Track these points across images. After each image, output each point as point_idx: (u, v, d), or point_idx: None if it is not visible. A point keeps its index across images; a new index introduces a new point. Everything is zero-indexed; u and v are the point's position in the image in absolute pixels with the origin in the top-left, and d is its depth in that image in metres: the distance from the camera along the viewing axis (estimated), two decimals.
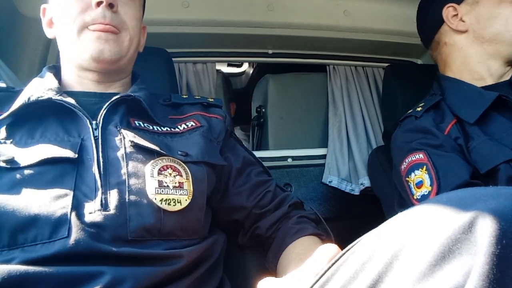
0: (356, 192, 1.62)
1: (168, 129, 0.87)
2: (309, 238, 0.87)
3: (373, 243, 0.46)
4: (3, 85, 0.90)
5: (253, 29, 1.58)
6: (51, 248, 0.65)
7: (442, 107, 1.15)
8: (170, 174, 0.77)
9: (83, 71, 0.87)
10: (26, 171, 0.70)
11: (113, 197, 0.71)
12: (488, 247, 0.36)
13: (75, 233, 0.66)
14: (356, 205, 1.66)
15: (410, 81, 1.41)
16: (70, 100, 0.80)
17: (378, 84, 1.79)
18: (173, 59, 1.34)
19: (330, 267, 0.51)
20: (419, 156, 1.03)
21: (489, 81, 1.15)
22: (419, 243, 0.41)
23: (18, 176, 0.70)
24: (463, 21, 1.17)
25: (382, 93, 1.62)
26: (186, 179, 0.78)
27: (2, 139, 0.75)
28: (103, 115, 0.80)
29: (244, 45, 1.67)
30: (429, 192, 0.98)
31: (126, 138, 0.78)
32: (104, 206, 0.70)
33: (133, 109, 0.85)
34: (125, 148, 0.77)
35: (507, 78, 1.16)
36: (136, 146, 0.78)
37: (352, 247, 0.50)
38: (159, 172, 0.76)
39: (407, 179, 1.05)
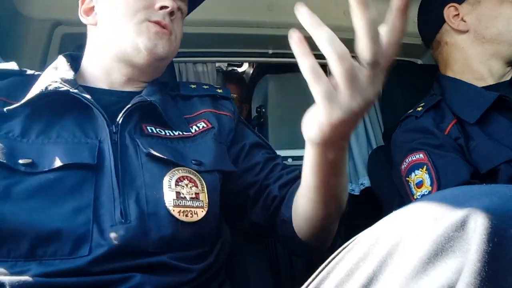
0: (356, 192, 1.62)
1: (180, 133, 0.85)
2: None
3: (368, 241, 0.46)
4: (15, 66, 0.86)
5: (253, 29, 1.58)
6: (70, 264, 0.64)
7: (442, 107, 1.15)
8: (187, 185, 0.76)
9: (122, 65, 0.87)
10: (46, 177, 0.69)
11: (132, 208, 0.70)
12: (480, 245, 0.36)
13: (97, 250, 0.65)
14: (356, 205, 1.66)
15: (410, 81, 1.40)
16: (87, 95, 0.79)
17: None
18: (173, 59, 1.34)
19: (326, 265, 0.51)
20: (419, 156, 1.03)
21: (490, 81, 1.15)
22: (412, 240, 0.41)
23: (38, 182, 0.68)
24: (464, 21, 1.17)
25: (382, 93, 1.61)
26: (202, 190, 0.77)
27: (18, 135, 0.74)
28: (121, 119, 0.79)
29: (244, 45, 1.68)
30: (429, 192, 0.98)
31: (141, 147, 0.77)
32: (125, 217, 0.69)
33: (147, 114, 0.84)
34: (140, 157, 0.76)
35: (507, 78, 1.16)
36: (151, 156, 0.77)
37: (348, 245, 0.50)
38: (176, 183, 0.75)
39: (407, 179, 1.05)
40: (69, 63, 0.88)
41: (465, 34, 1.17)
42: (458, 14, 1.18)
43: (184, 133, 0.86)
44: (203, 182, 0.78)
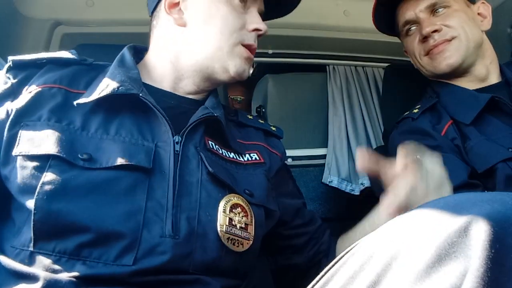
0: (356, 192, 1.62)
1: (234, 157, 0.84)
2: None
3: (372, 245, 0.46)
4: (75, 55, 0.84)
5: None
6: (112, 270, 0.63)
7: (438, 109, 1.15)
8: (239, 213, 0.75)
9: (198, 77, 0.86)
10: (102, 175, 0.68)
11: (183, 223, 0.68)
12: (482, 251, 0.36)
13: (141, 262, 0.64)
14: (356, 205, 1.66)
15: (410, 81, 1.40)
16: (152, 100, 0.76)
17: (378, 84, 1.79)
18: None
19: (330, 269, 0.51)
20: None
21: (484, 84, 1.16)
22: (416, 245, 0.41)
23: (94, 179, 0.67)
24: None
25: (382, 93, 1.61)
26: (251, 222, 0.76)
27: (78, 128, 0.72)
28: (187, 131, 0.77)
29: None
30: None
31: (205, 163, 0.75)
32: (175, 231, 0.67)
33: (210, 128, 0.82)
34: (201, 173, 0.74)
35: (495, 80, 1.16)
36: (212, 175, 0.75)
37: (351, 249, 0.50)
38: (231, 210, 0.74)
39: None
40: (133, 58, 0.85)
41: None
42: None
43: (237, 158, 0.85)
44: (253, 214, 0.77)
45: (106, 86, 0.76)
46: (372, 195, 1.45)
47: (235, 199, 0.75)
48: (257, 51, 1.71)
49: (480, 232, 0.37)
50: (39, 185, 0.64)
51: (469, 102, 1.10)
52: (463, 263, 0.37)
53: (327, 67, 1.79)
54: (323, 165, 1.67)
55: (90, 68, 0.83)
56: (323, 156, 1.69)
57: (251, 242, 0.74)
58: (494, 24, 1.44)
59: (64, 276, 0.61)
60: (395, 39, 1.57)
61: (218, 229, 0.70)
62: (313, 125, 1.75)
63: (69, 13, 1.44)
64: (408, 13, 1.16)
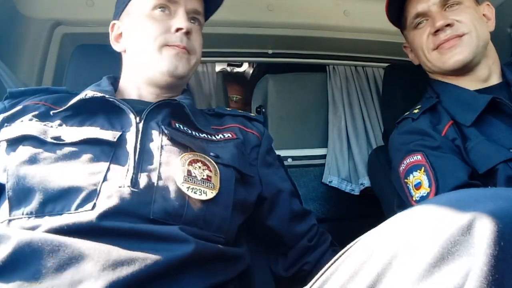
0: (356, 192, 1.62)
1: (206, 136, 0.92)
2: None
3: (372, 243, 0.46)
4: (64, 88, 1.00)
5: (253, 29, 1.58)
6: (75, 218, 0.68)
7: (438, 110, 1.15)
8: (200, 167, 0.81)
9: (149, 85, 0.95)
10: (69, 148, 0.77)
11: (143, 179, 0.75)
12: (486, 249, 0.36)
13: (100, 207, 0.69)
14: (356, 205, 1.67)
15: (410, 81, 1.40)
16: (120, 99, 0.87)
17: (378, 84, 1.79)
18: None
19: (330, 266, 0.51)
20: (417, 157, 1.03)
21: (485, 85, 1.15)
22: (418, 244, 0.41)
23: (61, 151, 0.76)
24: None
25: (382, 93, 1.61)
26: (215, 174, 0.82)
27: (56, 125, 0.83)
28: (147, 111, 0.86)
29: (244, 45, 1.68)
30: (428, 194, 0.98)
31: (165, 132, 0.83)
32: (133, 184, 0.73)
33: (176, 113, 0.91)
34: (161, 140, 0.82)
35: (496, 81, 1.16)
36: (172, 140, 0.83)
37: (351, 247, 0.50)
38: (189, 164, 0.80)
39: (405, 180, 1.05)
40: (109, 82, 0.98)
41: None
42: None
43: (209, 136, 0.92)
44: (217, 168, 0.83)
45: (77, 97, 0.88)
46: (372, 195, 1.46)
47: (195, 156, 0.82)
48: (257, 51, 1.74)
49: (484, 230, 0.37)
50: (12, 157, 0.75)
51: (470, 103, 1.10)
52: (467, 261, 0.37)
53: (327, 67, 1.79)
54: (323, 165, 1.67)
55: (74, 95, 0.91)
56: (323, 156, 1.69)
57: (216, 191, 0.79)
58: (494, 24, 1.44)
59: (35, 233, 0.66)
60: (395, 39, 1.57)
61: (176, 179, 0.76)
62: (313, 125, 1.75)
63: (69, 13, 1.44)
64: (420, 5, 1.15)
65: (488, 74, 1.15)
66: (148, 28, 0.92)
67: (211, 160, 0.84)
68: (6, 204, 0.72)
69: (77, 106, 0.86)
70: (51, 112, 0.86)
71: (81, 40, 1.47)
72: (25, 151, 0.75)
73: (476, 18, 1.12)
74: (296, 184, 1.62)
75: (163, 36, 0.92)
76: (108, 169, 0.75)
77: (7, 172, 0.72)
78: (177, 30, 0.93)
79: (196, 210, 0.77)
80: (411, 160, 1.04)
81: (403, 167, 1.06)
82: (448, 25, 1.10)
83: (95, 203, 0.70)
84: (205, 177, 0.80)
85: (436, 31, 1.12)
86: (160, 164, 0.79)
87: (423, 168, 1.01)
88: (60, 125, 0.83)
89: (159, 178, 0.76)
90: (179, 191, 0.76)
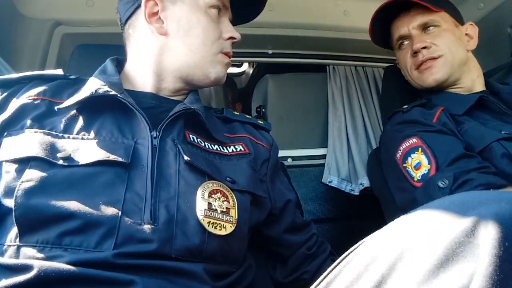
0: (356, 192, 1.62)
1: (218, 149, 0.88)
2: None
3: (377, 245, 0.46)
4: (60, 72, 0.91)
5: (253, 29, 1.58)
6: (94, 256, 0.65)
7: (429, 105, 1.23)
8: (219, 198, 0.77)
9: (178, 80, 0.91)
10: (81, 171, 0.71)
11: (162, 211, 0.71)
12: (491, 250, 0.36)
13: (121, 246, 0.66)
14: (356, 205, 1.67)
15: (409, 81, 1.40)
16: (131, 100, 0.81)
17: (378, 84, 1.79)
18: None
19: (333, 269, 0.51)
20: (413, 140, 1.09)
21: (470, 92, 1.24)
22: (422, 245, 0.41)
23: (73, 175, 0.71)
24: None
25: (382, 93, 1.62)
26: (232, 206, 0.78)
27: (61, 131, 0.77)
28: (164, 125, 0.80)
29: (244, 45, 1.67)
30: (429, 170, 1.02)
31: (182, 154, 0.78)
32: (153, 219, 0.70)
33: (190, 122, 0.86)
34: (179, 164, 0.77)
35: (479, 89, 1.25)
36: (190, 164, 0.78)
37: (355, 249, 0.50)
38: (209, 195, 0.76)
39: (404, 165, 1.09)
40: (115, 67, 0.92)
41: None
42: None
43: (221, 150, 0.89)
44: (235, 199, 0.80)
45: (86, 90, 0.81)
46: (371, 195, 1.46)
47: (213, 185, 0.78)
48: (257, 51, 1.73)
49: (488, 231, 0.37)
50: (19, 183, 0.68)
51: (460, 100, 1.19)
52: (472, 263, 0.37)
53: (327, 67, 1.79)
54: (323, 165, 1.67)
55: (74, 82, 0.87)
56: (323, 156, 1.69)
57: (234, 225, 0.77)
58: (494, 24, 1.45)
59: (52, 264, 0.63)
60: None
61: (198, 214, 0.73)
62: (313, 125, 1.75)
63: (69, 13, 1.43)
64: (402, 28, 1.26)
65: (472, 85, 1.26)
66: (208, 28, 0.90)
67: (229, 189, 0.80)
68: (14, 229, 0.67)
69: (84, 102, 0.80)
70: (56, 108, 0.80)
71: (81, 40, 1.47)
72: (33, 176, 0.69)
73: (452, 40, 1.21)
74: (296, 184, 1.63)
75: (219, 42, 0.92)
76: (125, 199, 0.70)
77: (15, 199, 0.67)
78: (230, 38, 0.94)
79: (215, 246, 0.74)
80: (407, 145, 1.10)
81: (400, 153, 1.12)
82: (424, 47, 1.21)
83: (115, 243, 0.66)
84: (224, 209, 0.77)
85: (415, 53, 1.23)
86: (178, 193, 0.74)
87: (420, 149, 1.07)
88: (67, 129, 0.78)
89: (178, 210, 0.72)
90: (199, 226, 0.72)
